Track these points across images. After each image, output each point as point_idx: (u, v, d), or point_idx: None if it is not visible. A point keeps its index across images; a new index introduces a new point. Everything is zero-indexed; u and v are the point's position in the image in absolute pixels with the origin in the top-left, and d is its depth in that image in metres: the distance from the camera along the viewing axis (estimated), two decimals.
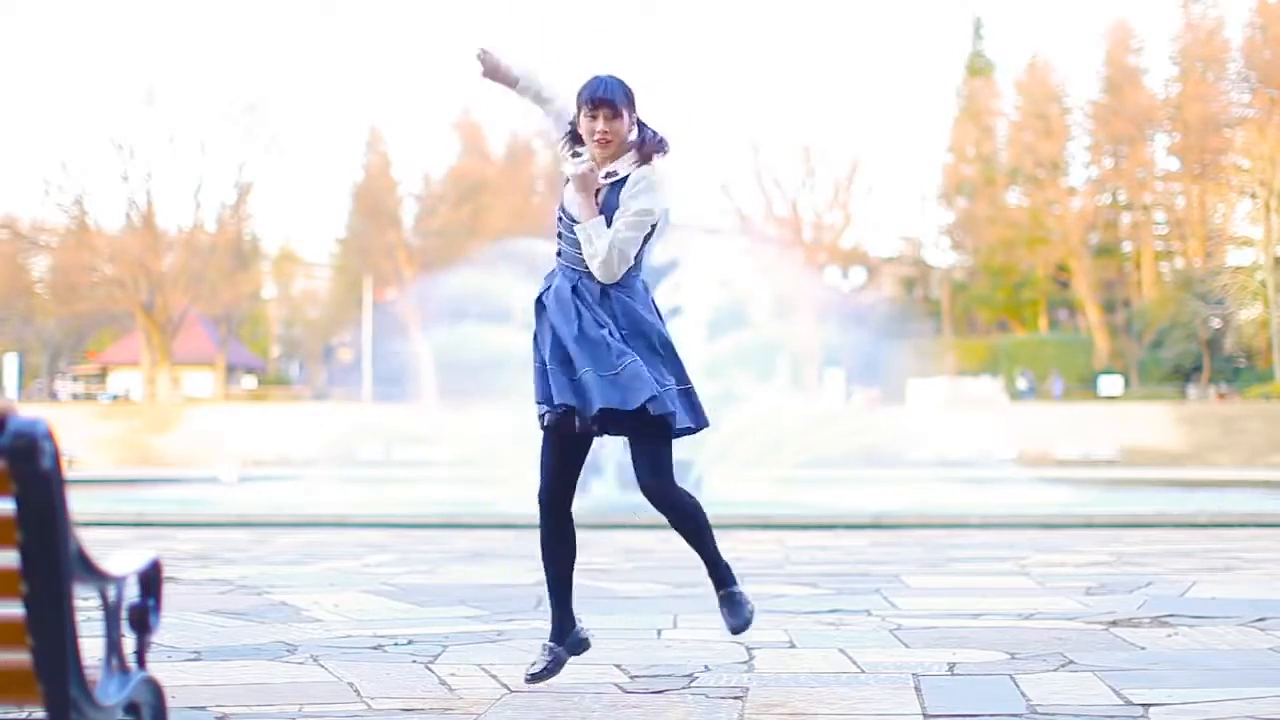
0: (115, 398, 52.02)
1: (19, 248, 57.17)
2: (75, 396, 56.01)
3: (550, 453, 4.20)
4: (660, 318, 4.22)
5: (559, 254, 4.20)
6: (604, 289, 4.11)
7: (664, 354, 4.12)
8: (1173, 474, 29.54)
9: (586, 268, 4.10)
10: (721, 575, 4.26)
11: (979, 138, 62.96)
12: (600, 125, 4.04)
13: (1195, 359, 52.79)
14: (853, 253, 63.02)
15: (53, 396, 55.89)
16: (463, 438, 22.85)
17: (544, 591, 4.56)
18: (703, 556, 4.24)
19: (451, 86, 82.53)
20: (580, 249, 4.10)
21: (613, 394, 3.96)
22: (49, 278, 58.37)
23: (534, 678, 4.19)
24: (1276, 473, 29.88)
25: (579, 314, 4.06)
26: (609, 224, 4.08)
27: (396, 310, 52.31)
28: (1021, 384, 50.05)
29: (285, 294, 73.53)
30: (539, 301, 4.21)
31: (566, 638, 4.30)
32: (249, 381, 62.76)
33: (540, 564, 4.34)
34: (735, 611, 4.23)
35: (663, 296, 13.86)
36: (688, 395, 4.14)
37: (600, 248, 4.05)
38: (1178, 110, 56.88)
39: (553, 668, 4.23)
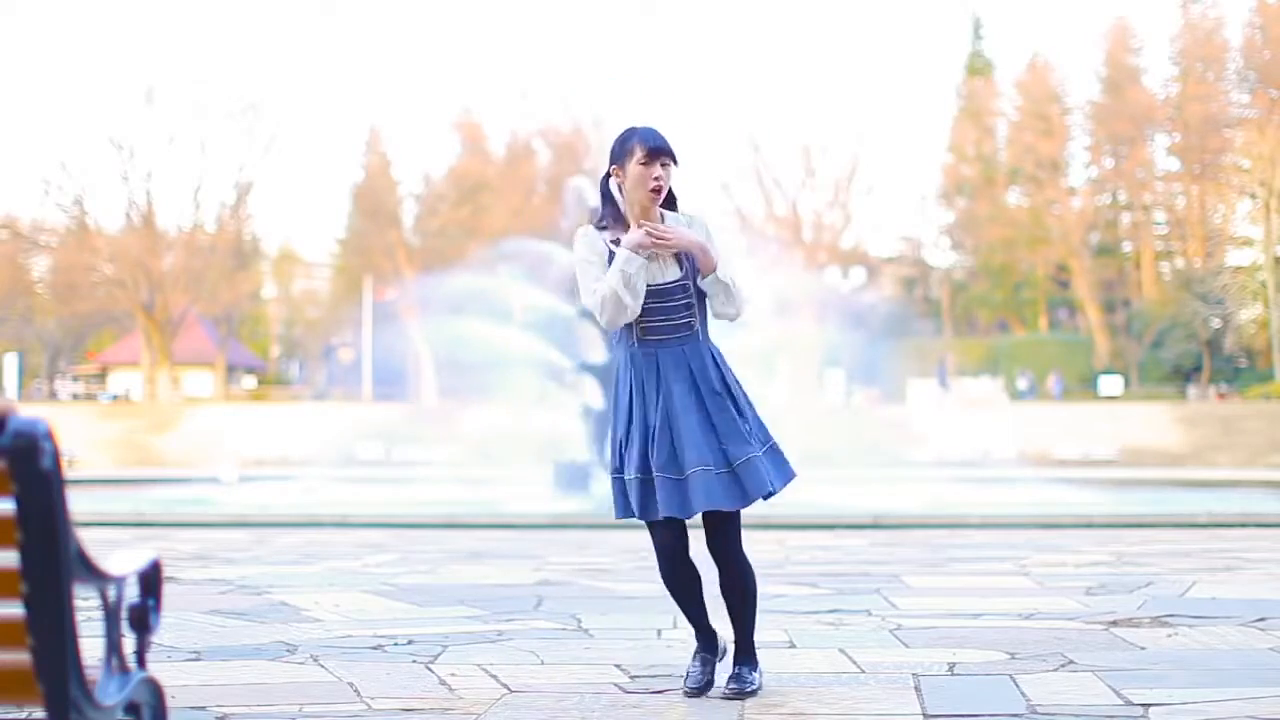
0: (115, 398, 51.97)
1: (19, 248, 57.15)
2: (75, 396, 55.97)
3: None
4: None
5: (641, 331, 4.16)
6: (714, 353, 4.23)
7: (752, 408, 4.21)
8: (1173, 474, 29.52)
9: (684, 337, 4.16)
10: (747, 648, 4.24)
11: (979, 138, 62.90)
12: (657, 172, 4.12)
13: (1195, 359, 52.78)
14: (853, 253, 62.93)
15: (53, 396, 55.86)
16: (463, 438, 22.86)
17: (545, 592, 4.59)
18: (738, 628, 4.23)
19: (451, 86, 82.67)
20: (674, 311, 4.16)
21: (730, 493, 4.02)
22: (49, 278, 58.36)
23: (694, 691, 4.15)
24: (1276, 473, 29.87)
25: (704, 396, 4.13)
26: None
27: (396, 310, 52.29)
28: (1021, 384, 49.98)
29: (285, 294, 73.47)
30: (634, 374, 4.19)
31: (716, 648, 4.31)
32: (249, 381, 62.74)
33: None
34: (737, 684, 4.15)
35: None
36: (774, 452, 4.17)
37: (743, 289, 4.20)
38: (1178, 110, 56.86)
39: (709, 677, 4.23)
